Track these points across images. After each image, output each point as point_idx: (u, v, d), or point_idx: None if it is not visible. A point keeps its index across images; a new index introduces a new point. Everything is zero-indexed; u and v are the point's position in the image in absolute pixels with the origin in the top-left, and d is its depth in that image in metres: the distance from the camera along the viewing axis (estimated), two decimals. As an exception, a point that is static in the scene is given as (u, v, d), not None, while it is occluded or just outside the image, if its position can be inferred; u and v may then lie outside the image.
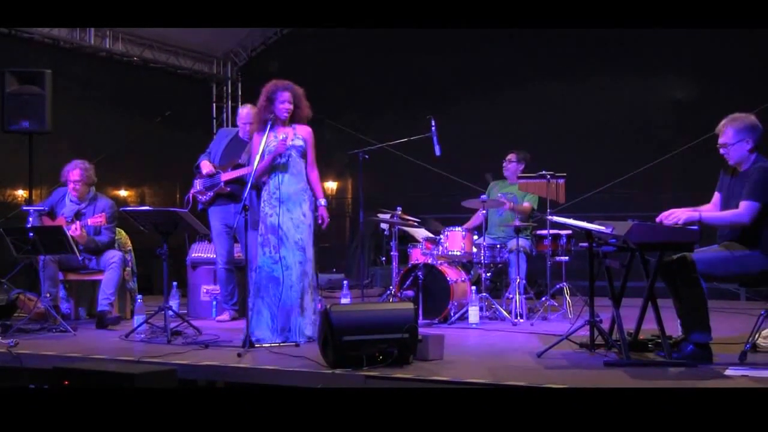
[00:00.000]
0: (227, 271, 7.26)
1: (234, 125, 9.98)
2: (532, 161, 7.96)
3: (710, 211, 5.21)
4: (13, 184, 9.58)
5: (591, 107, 10.27)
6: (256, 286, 5.84)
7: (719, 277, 5.09)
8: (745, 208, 4.92)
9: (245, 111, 7.44)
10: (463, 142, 9.92)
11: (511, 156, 7.99)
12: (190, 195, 7.39)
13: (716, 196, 5.28)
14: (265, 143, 5.79)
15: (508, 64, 10.56)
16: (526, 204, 7.72)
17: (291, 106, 5.86)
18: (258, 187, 6.21)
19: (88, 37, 10.16)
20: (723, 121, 5.10)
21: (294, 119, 5.91)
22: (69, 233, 6.63)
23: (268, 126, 5.79)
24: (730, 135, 5.04)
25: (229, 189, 7.12)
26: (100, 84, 10.43)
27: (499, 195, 7.78)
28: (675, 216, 4.91)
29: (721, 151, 5.11)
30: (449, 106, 10.40)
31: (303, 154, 5.92)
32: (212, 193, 7.22)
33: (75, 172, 7.03)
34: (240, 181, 7.00)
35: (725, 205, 5.14)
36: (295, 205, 5.83)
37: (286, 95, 5.84)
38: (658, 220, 4.96)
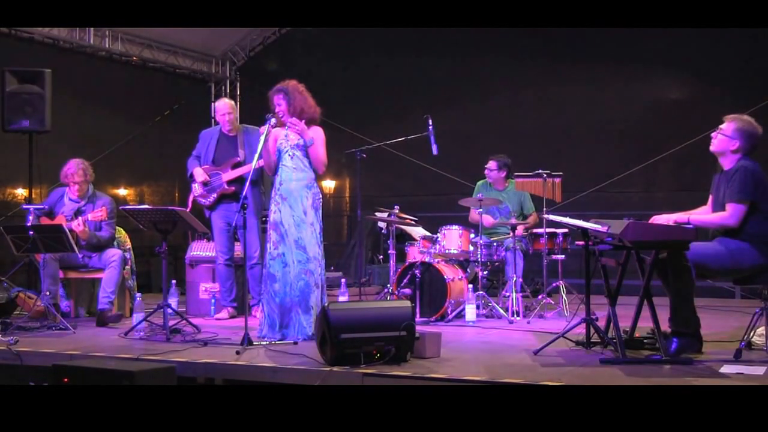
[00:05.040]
0: (227, 267, 7.29)
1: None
2: (529, 161, 7.98)
3: (704, 213, 5.29)
4: (13, 183, 9.59)
5: (587, 106, 10.30)
6: (263, 280, 5.93)
7: (713, 272, 5.14)
8: (731, 210, 5.01)
9: (222, 104, 7.46)
10: (460, 141, 9.94)
11: (492, 164, 7.99)
12: (190, 199, 7.39)
13: (711, 199, 5.34)
14: (267, 141, 5.85)
15: (503, 63, 10.58)
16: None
17: (279, 107, 5.90)
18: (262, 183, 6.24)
19: (88, 36, 10.16)
20: (735, 115, 5.21)
21: (300, 119, 5.92)
22: (72, 229, 6.69)
23: (268, 124, 5.84)
24: (729, 129, 5.14)
25: (233, 189, 7.14)
26: (99, 83, 10.42)
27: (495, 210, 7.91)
28: (665, 219, 4.99)
29: (713, 134, 5.21)
30: (446, 104, 10.42)
31: (308, 153, 5.95)
32: (216, 195, 7.24)
33: (78, 173, 7.04)
34: (242, 180, 7.01)
35: (717, 205, 5.21)
36: (296, 202, 5.85)
37: (272, 98, 5.93)
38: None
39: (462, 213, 8.09)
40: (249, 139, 7.19)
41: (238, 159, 7.16)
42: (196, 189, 7.30)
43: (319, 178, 6.07)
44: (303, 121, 5.89)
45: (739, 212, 4.98)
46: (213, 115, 12.09)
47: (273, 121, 5.87)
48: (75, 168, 7.06)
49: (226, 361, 4.97)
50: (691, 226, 4.90)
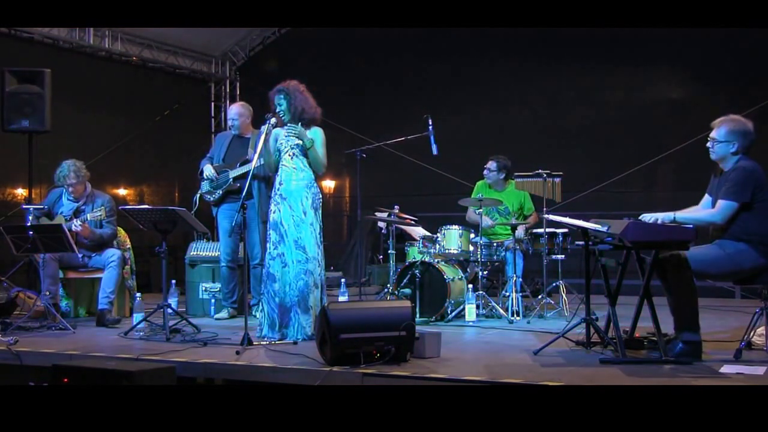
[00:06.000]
0: (229, 269, 7.29)
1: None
2: (529, 161, 7.98)
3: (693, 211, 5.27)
4: (12, 183, 9.59)
5: (587, 106, 10.31)
6: (263, 280, 5.94)
7: (713, 275, 5.13)
8: (719, 207, 4.98)
9: (234, 107, 7.55)
10: (460, 141, 9.94)
11: (491, 164, 7.97)
12: (197, 196, 7.42)
13: (705, 198, 5.32)
14: (264, 141, 5.84)
15: (503, 63, 10.59)
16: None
17: (279, 107, 5.91)
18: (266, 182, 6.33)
19: (88, 36, 10.17)
20: (721, 118, 5.15)
21: (300, 119, 5.93)
22: (73, 230, 6.68)
23: (267, 123, 5.84)
24: (722, 133, 5.09)
25: (238, 185, 7.16)
26: (99, 83, 10.42)
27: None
28: (651, 217, 4.97)
29: (708, 144, 5.17)
30: (446, 104, 10.42)
31: (307, 153, 5.95)
32: (221, 191, 7.26)
33: (70, 176, 7.02)
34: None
35: (713, 206, 5.18)
36: (296, 202, 5.85)
37: (273, 98, 5.94)
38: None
39: (462, 213, 8.09)
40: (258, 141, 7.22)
41: (247, 157, 7.19)
42: (204, 186, 7.33)
43: (318, 178, 6.07)
44: (304, 121, 5.90)
45: (727, 210, 4.94)
46: (212, 115, 12.17)
47: (273, 120, 5.87)
48: (66, 170, 7.03)
49: (226, 361, 4.97)
50: (692, 226, 4.87)
